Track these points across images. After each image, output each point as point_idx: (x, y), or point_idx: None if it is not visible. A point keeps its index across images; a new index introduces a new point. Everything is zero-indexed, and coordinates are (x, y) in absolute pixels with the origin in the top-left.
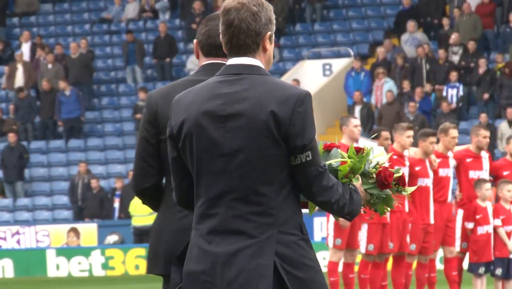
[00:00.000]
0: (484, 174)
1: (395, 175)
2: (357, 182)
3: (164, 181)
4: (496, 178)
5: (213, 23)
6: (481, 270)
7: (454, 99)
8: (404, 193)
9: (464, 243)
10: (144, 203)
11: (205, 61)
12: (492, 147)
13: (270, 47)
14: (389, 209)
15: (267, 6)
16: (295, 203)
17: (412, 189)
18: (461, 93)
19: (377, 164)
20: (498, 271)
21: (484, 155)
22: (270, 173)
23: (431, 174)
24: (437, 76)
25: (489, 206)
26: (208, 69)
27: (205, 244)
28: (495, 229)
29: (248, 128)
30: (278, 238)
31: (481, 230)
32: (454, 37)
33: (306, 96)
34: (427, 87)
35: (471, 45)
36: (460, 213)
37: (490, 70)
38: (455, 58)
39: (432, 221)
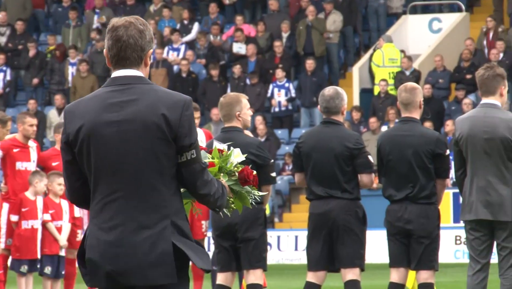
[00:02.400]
0: (32, 165)
1: (253, 173)
2: (225, 180)
3: None
4: (44, 168)
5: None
6: (24, 268)
7: (1, 84)
8: (256, 192)
9: (9, 240)
10: None
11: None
12: (41, 135)
13: (149, 63)
14: (249, 204)
15: (149, 26)
16: (180, 196)
17: (263, 193)
18: (8, 77)
19: (237, 163)
20: (47, 270)
21: (32, 144)
22: (162, 170)
23: None
24: None
25: (39, 199)
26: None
27: (103, 234)
28: (44, 224)
29: (142, 131)
30: (172, 229)
31: (25, 225)
32: (1, 16)
33: (190, 101)
34: None
35: (20, 25)
36: (6, 206)
37: (40, 53)
38: (2, 40)
39: None
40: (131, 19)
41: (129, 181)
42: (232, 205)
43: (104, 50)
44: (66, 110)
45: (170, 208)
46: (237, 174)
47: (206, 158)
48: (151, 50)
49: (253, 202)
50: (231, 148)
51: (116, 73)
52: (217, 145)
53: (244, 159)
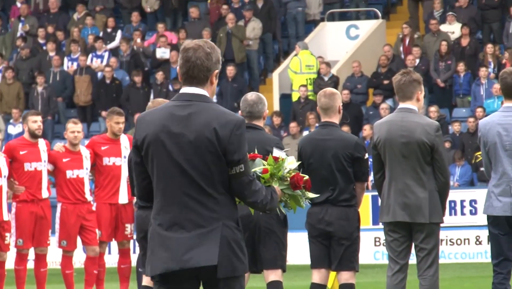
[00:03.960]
0: None
1: (304, 179)
2: (276, 184)
3: None
4: None
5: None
6: None
7: None
8: (308, 195)
9: None
10: None
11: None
12: None
13: (215, 81)
14: (302, 206)
15: (217, 49)
16: (232, 202)
17: (314, 195)
18: None
19: (290, 170)
20: None
21: None
22: (213, 178)
23: None
24: None
25: None
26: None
27: (162, 230)
28: None
29: (196, 144)
30: (223, 229)
31: None
32: None
33: (242, 122)
34: None
35: None
36: None
37: None
38: None
39: None
40: (200, 42)
41: (186, 187)
42: (284, 206)
43: (177, 68)
44: (138, 118)
45: (221, 211)
46: (288, 179)
47: (261, 164)
48: (217, 71)
49: (306, 203)
50: (286, 155)
51: (183, 90)
52: (275, 152)
53: (297, 166)
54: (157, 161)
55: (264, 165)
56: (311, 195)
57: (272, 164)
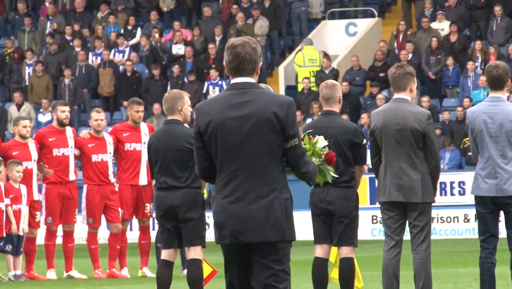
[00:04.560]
0: None
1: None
2: (315, 160)
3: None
4: (5, 158)
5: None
6: None
7: None
8: (332, 171)
9: None
10: None
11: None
12: (3, 128)
13: (259, 72)
14: (328, 179)
15: (258, 45)
16: (285, 176)
17: (336, 175)
18: None
19: (323, 147)
20: (8, 248)
21: None
22: (272, 154)
23: None
24: None
25: (1, 185)
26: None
27: (227, 204)
28: (6, 207)
29: (257, 125)
30: (280, 200)
31: None
32: None
33: (293, 102)
34: None
35: None
36: None
37: (1, 56)
38: None
39: None
40: (246, 39)
41: (247, 163)
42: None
43: (224, 62)
44: (197, 108)
45: (278, 183)
46: (323, 156)
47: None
48: (261, 63)
49: (330, 178)
50: (316, 136)
51: (235, 80)
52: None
53: (327, 144)
54: (221, 143)
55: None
56: (333, 173)
57: (307, 143)
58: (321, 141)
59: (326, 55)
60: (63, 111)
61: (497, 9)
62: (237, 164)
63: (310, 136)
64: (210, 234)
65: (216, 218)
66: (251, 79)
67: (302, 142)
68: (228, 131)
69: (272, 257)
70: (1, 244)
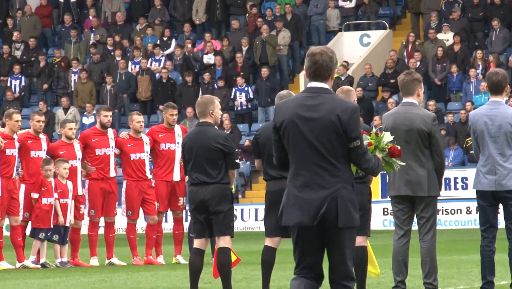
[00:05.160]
0: (43, 153)
1: (398, 149)
2: (378, 154)
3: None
4: (53, 156)
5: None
6: (42, 235)
7: (18, 89)
8: (399, 162)
9: (26, 213)
10: None
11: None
12: (51, 130)
13: (334, 77)
14: (395, 169)
15: (335, 53)
16: (349, 170)
17: (403, 163)
18: (23, 84)
19: (388, 142)
20: (55, 237)
21: (42, 136)
22: (335, 151)
23: None
24: (1, 69)
25: (52, 181)
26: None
27: (296, 192)
28: (54, 201)
29: (323, 126)
30: (342, 191)
31: (45, 201)
32: (16, 34)
33: (357, 108)
34: None
35: (32, 42)
36: (23, 187)
37: (48, 64)
38: (18, 53)
39: None
40: (324, 48)
41: (314, 158)
42: (384, 169)
43: (304, 67)
44: (276, 106)
45: (342, 177)
46: (387, 150)
47: (367, 138)
48: (336, 69)
49: (397, 167)
50: (383, 132)
51: (311, 84)
52: (374, 130)
53: (391, 139)
54: (292, 139)
55: (368, 139)
56: (400, 162)
57: (374, 138)
58: (387, 137)
59: (344, 64)
60: (106, 116)
61: (495, 23)
62: (305, 158)
63: (378, 132)
64: (237, 225)
65: (285, 202)
66: (325, 85)
67: (370, 138)
68: (298, 129)
69: (334, 239)
70: (49, 234)
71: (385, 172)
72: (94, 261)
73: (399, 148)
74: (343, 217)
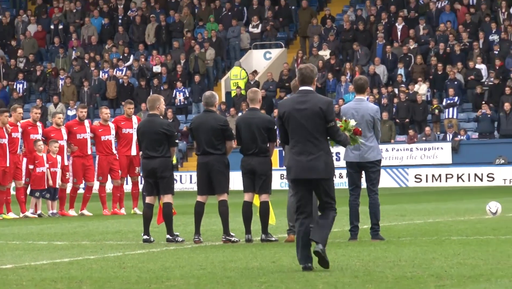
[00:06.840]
0: (39, 136)
1: (360, 130)
2: (346, 132)
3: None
4: (47, 138)
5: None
6: (37, 194)
7: (21, 90)
8: (359, 139)
9: (27, 178)
10: None
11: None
12: (45, 119)
13: (316, 83)
14: (358, 142)
15: (315, 67)
16: (327, 142)
17: (363, 141)
18: (25, 87)
19: (353, 125)
20: (47, 195)
21: (39, 124)
22: (319, 130)
23: (6, 135)
24: (9, 76)
25: (44, 155)
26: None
27: (295, 157)
28: (46, 170)
29: (312, 114)
30: (324, 155)
31: (38, 170)
32: (19, 51)
33: (331, 101)
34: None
35: (31, 57)
36: (25, 160)
37: (43, 72)
38: (21, 65)
39: (8, 164)
40: (308, 65)
41: (306, 135)
42: (351, 143)
43: (296, 79)
44: (279, 103)
45: (323, 147)
46: (352, 130)
47: (339, 123)
48: (317, 78)
49: (359, 143)
50: (349, 119)
51: (301, 88)
52: (344, 117)
53: (355, 123)
54: (291, 123)
55: (339, 124)
56: (360, 138)
57: (343, 123)
58: (352, 123)
59: (253, 72)
60: (81, 112)
61: (355, 45)
62: (299, 136)
63: (346, 119)
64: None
65: (288, 164)
66: (310, 88)
67: (340, 123)
68: (294, 117)
69: (322, 189)
70: (43, 193)
71: (352, 145)
72: (72, 212)
73: (360, 129)
74: (324, 171)
